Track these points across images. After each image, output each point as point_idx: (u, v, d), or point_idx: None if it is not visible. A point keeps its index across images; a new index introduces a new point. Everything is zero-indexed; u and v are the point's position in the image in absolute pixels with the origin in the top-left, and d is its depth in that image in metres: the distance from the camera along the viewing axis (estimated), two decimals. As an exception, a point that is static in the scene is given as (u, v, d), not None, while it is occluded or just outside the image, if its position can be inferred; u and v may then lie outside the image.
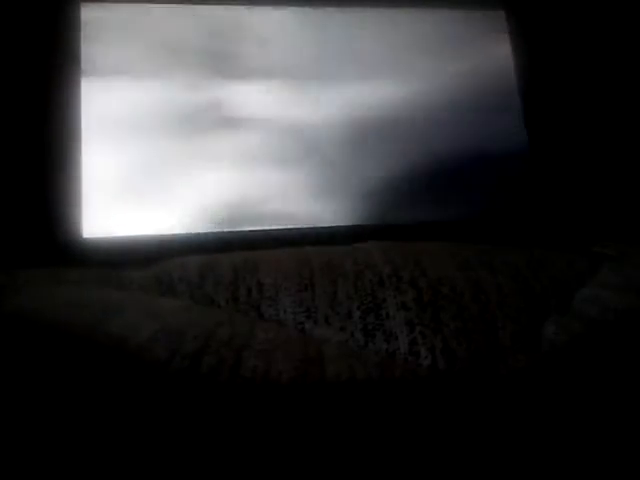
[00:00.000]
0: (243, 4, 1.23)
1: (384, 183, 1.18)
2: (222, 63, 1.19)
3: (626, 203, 1.20)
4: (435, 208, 1.18)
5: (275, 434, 0.48)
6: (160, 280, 0.73)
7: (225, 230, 1.12)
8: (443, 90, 1.25)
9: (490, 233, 1.11)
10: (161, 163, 1.12)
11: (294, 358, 0.56)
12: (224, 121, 1.16)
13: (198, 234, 1.11)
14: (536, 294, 0.71)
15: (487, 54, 1.29)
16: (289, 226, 1.14)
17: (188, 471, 0.45)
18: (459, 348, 0.63)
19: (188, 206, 1.12)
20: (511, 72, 1.28)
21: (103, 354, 0.53)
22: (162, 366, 0.52)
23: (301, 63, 1.22)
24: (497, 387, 0.59)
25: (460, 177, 1.21)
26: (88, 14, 1.16)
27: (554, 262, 0.77)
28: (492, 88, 1.27)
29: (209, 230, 1.12)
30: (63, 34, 1.12)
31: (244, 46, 1.21)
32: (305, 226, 1.15)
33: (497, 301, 0.68)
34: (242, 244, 0.90)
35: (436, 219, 1.17)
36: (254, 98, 1.18)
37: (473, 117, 1.23)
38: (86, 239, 1.06)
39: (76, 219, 1.06)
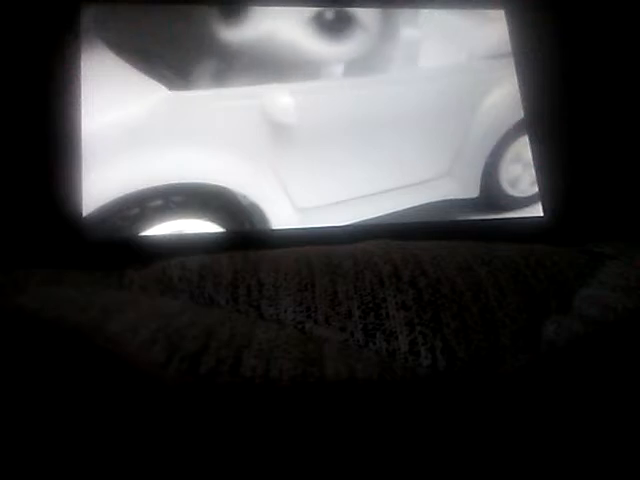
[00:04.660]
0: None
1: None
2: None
3: (626, 203, 1.20)
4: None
5: (275, 434, 0.48)
6: (160, 280, 0.73)
7: (225, 230, 1.12)
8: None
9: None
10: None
11: (294, 358, 0.56)
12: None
13: (198, 234, 1.11)
14: (536, 294, 0.71)
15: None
16: (289, 226, 1.15)
17: (188, 472, 0.44)
18: (459, 348, 0.63)
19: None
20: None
21: (102, 355, 0.53)
22: (161, 367, 0.52)
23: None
24: (497, 387, 0.59)
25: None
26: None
27: (554, 261, 0.77)
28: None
29: (209, 230, 1.12)
30: (63, 34, 1.12)
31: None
32: (305, 226, 1.15)
33: (497, 301, 0.68)
34: (242, 244, 0.90)
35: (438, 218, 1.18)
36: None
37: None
38: (86, 239, 1.06)
39: (76, 218, 1.06)
